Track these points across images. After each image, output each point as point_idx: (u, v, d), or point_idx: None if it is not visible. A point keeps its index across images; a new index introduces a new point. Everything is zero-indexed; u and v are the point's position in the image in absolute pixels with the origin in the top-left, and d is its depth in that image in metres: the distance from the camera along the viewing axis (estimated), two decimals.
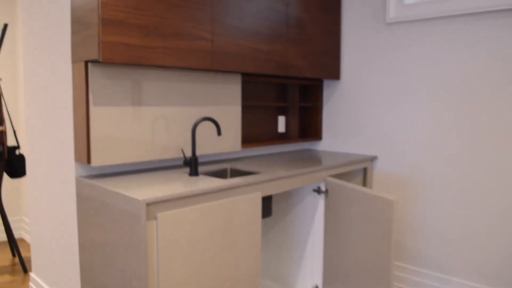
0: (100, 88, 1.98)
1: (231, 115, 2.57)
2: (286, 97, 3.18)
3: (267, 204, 2.41)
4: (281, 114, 3.15)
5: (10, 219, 3.94)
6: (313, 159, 2.80)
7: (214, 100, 2.46)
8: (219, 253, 1.94)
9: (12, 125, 3.17)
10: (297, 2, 2.75)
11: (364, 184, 3.00)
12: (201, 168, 2.38)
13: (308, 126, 3.31)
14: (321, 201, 2.63)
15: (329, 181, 2.56)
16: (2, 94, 3.01)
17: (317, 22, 2.92)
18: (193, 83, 2.35)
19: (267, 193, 2.19)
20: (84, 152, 2.00)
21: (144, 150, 2.17)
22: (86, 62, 1.96)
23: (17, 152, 3.15)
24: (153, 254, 1.70)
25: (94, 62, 1.96)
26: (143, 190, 1.77)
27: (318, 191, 2.62)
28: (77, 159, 2.06)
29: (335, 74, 3.10)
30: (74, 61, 2.03)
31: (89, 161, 1.99)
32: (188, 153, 2.38)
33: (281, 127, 3.12)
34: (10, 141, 3.65)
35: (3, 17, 3.84)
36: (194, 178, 2.06)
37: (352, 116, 3.10)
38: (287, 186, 2.31)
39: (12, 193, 3.93)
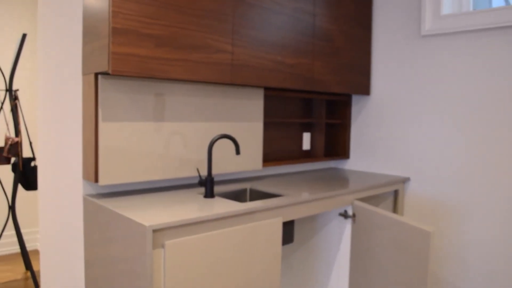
0: (110, 102, 1.84)
1: (252, 132, 2.39)
2: (312, 113, 2.99)
3: (289, 230, 2.21)
4: (306, 130, 2.96)
5: (26, 230, 3.86)
6: (339, 179, 2.59)
7: (234, 116, 2.29)
8: (234, 284, 1.75)
9: (28, 136, 3.08)
10: (325, 14, 2.57)
11: (395, 208, 2.77)
12: (218, 188, 2.21)
13: (335, 144, 3.10)
14: (347, 226, 2.42)
15: (357, 205, 2.34)
16: (19, 105, 2.93)
17: (346, 34, 2.73)
18: (211, 98, 2.19)
19: (288, 218, 2.00)
20: (91, 170, 1.86)
21: (156, 169, 2.01)
22: (96, 75, 1.82)
23: (32, 164, 3.06)
24: (160, 284, 1.53)
25: (104, 74, 1.82)
26: (151, 214, 1.60)
27: (344, 215, 2.40)
28: (85, 177, 1.92)
29: (365, 90, 2.89)
30: (84, 73, 1.90)
31: (96, 180, 1.84)
32: (204, 172, 2.21)
33: (306, 145, 2.92)
34: (26, 153, 3.57)
35: (24, 26, 3.79)
36: (209, 201, 1.88)
37: (383, 134, 2.88)
38: (311, 210, 2.11)
39: (28, 204, 3.85)
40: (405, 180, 2.74)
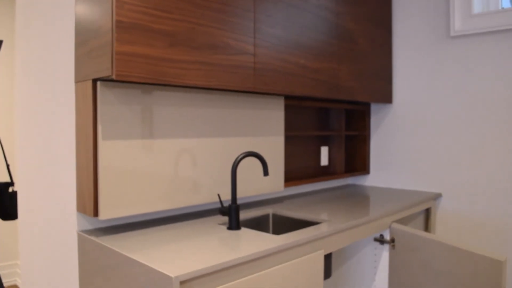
0: (111, 116, 1.45)
1: (272, 148, 2.02)
2: (329, 124, 2.64)
3: (327, 263, 1.85)
4: (324, 144, 2.61)
5: (4, 264, 3.37)
6: (367, 199, 2.24)
7: (252, 129, 1.92)
8: None
9: (5, 158, 2.64)
10: (347, 12, 2.24)
11: (427, 227, 2.44)
12: None
13: (354, 158, 2.76)
14: (384, 252, 2.06)
15: (396, 228, 2.00)
16: None
17: (368, 35, 2.41)
18: (226, 109, 1.81)
19: (329, 249, 1.63)
20: (89, 201, 1.45)
21: (169, 196, 1.62)
22: (94, 81, 1.43)
23: (10, 189, 2.61)
24: None
25: (105, 80, 1.43)
26: (172, 257, 1.21)
27: (381, 240, 2.05)
28: (80, 209, 1.51)
29: (387, 97, 2.56)
30: (78, 80, 1.50)
31: (96, 214, 1.44)
32: (223, 193, 1.83)
33: (324, 160, 2.57)
34: (2, 177, 3.11)
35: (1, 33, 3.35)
36: (235, 234, 1.50)
37: (407, 146, 2.56)
38: (351, 238, 1.74)
39: (6, 235, 3.37)
40: (436, 197, 2.41)
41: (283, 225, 1.92)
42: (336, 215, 1.82)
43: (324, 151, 2.56)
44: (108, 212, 1.45)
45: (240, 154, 1.59)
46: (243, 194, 1.89)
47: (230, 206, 1.58)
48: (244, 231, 1.55)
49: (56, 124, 1.63)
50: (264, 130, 1.97)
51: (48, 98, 1.68)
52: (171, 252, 1.29)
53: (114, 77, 1.31)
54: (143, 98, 1.53)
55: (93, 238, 1.44)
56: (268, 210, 1.96)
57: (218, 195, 1.63)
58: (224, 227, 1.60)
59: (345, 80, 2.23)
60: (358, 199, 2.25)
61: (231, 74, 1.65)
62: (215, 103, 1.76)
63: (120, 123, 1.47)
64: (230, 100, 1.82)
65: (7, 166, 2.61)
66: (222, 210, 1.61)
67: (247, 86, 1.71)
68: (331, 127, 2.62)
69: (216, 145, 1.77)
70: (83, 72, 1.46)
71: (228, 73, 1.63)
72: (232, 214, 1.57)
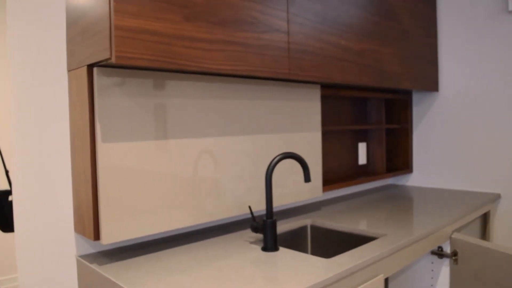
0: (113, 112, 1.12)
1: (308, 146, 1.68)
2: (366, 117, 2.28)
3: None
4: (361, 140, 2.25)
5: (2, 278, 3.10)
6: (414, 203, 1.88)
7: (284, 125, 1.58)
8: None
9: (4, 163, 2.34)
10: None
11: (484, 234, 2.07)
12: None
13: (394, 155, 2.40)
14: (443, 268, 1.71)
15: (458, 239, 1.64)
16: None
17: (412, 12, 2.04)
18: (253, 101, 1.47)
19: (389, 272, 1.29)
20: (88, 221, 1.13)
21: (185, 210, 1.28)
22: (90, 68, 1.10)
23: (10, 198, 2.31)
24: None
25: (103, 66, 1.10)
26: None
27: (440, 254, 1.70)
28: (79, 230, 1.19)
29: (433, 84, 2.20)
30: (71, 67, 1.18)
31: (97, 237, 1.12)
32: (252, 203, 1.49)
33: (362, 158, 2.22)
34: (2, 184, 2.82)
35: None
36: (272, 257, 1.17)
37: (456, 140, 2.19)
38: (411, 255, 1.40)
39: (4, 248, 3.08)
40: (495, 198, 2.05)
41: (325, 239, 1.58)
42: (388, 227, 1.48)
43: (362, 148, 2.21)
44: (112, 235, 1.12)
45: (276, 157, 1.25)
46: (275, 202, 1.55)
47: (265, 221, 1.24)
48: (283, 252, 1.22)
49: (47, 124, 1.31)
50: (298, 125, 1.63)
51: (38, 93, 1.36)
52: (193, 284, 0.96)
53: (113, 60, 0.98)
54: (153, 88, 1.20)
55: (94, 266, 1.12)
56: (306, 221, 1.62)
57: (249, 207, 1.29)
58: (257, 247, 1.27)
59: (389, 65, 1.87)
60: (406, 203, 1.89)
61: (261, 57, 1.31)
62: (239, 94, 1.42)
63: (124, 120, 1.14)
64: (256, 91, 1.47)
65: (6, 172, 2.31)
66: (255, 226, 1.27)
67: (281, 72, 1.37)
68: (369, 120, 2.26)
69: (242, 145, 1.43)
70: (77, 57, 1.14)
71: (257, 55, 1.29)
72: (267, 231, 1.24)
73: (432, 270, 1.74)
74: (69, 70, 1.19)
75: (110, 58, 0.99)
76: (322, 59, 1.52)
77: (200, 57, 1.15)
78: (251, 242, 1.33)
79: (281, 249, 1.25)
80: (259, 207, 1.50)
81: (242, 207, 1.43)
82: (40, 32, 1.25)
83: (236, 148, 1.40)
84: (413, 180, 2.38)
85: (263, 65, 1.31)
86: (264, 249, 1.24)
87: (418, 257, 1.52)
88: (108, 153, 1.10)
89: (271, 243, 1.24)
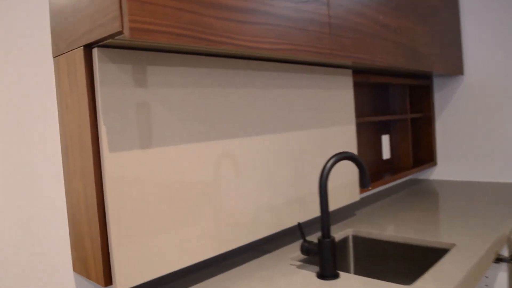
0: (121, 107, 0.81)
1: (342, 142, 1.40)
2: (388, 105, 2.02)
3: None
4: (384, 132, 1.99)
5: None
6: (453, 199, 1.64)
7: (314, 118, 1.29)
8: None
9: None
10: None
11: None
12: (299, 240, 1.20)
13: (417, 147, 2.15)
14: (500, 273, 1.47)
15: None
16: None
17: None
18: (279, 90, 1.17)
19: None
20: (95, 261, 0.82)
21: (215, 234, 0.98)
22: (88, 49, 0.79)
23: None
24: None
25: (105, 46, 0.79)
26: None
27: (496, 258, 1.46)
28: (80, 270, 0.87)
29: (458, 67, 1.96)
30: (57, 51, 0.85)
31: (109, 281, 0.80)
32: (292, 216, 1.19)
33: (386, 152, 1.95)
34: None
35: None
36: (334, 286, 0.89)
37: (484, 127, 1.96)
38: (484, 267, 1.14)
39: None
40: None
41: (371, 252, 1.31)
42: (448, 233, 1.22)
43: (386, 141, 1.95)
44: (130, 277, 0.81)
45: (330, 159, 0.97)
46: (306, 213, 1.26)
47: (321, 241, 0.96)
48: (346, 279, 0.94)
49: (30, 131, 0.98)
50: (330, 117, 1.35)
51: (18, 91, 1.02)
52: None
53: (127, 33, 0.68)
54: (177, 75, 0.89)
55: None
56: (346, 231, 1.34)
57: (299, 224, 1.00)
58: (310, 274, 0.98)
59: (422, 45, 1.61)
60: (445, 201, 1.64)
61: (304, 32, 1.02)
62: (264, 81, 1.12)
63: (137, 121, 0.83)
64: (282, 78, 1.17)
65: None
66: (306, 248, 0.99)
67: (323, 52, 1.08)
68: (392, 109, 2.00)
69: (271, 145, 1.13)
70: (67, 36, 0.82)
71: (298, 30, 1.00)
72: (325, 254, 0.95)
73: (487, 277, 1.50)
74: (55, 56, 0.86)
75: (121, 32, 0.69)
76: (363, 37, 1.24)
77: (234, 32, 0.85)
78: (299, 267, 1.04)
79: (342, 274, 0.97)
80: (297, 220, 1.21)
81: (280, 222, 1.14)
82: (19, 11, 0.92)
83: (264, 149, 1.10)
84: (437, 173, 2.13)
85: (306, 42, 1.02)
86: (321, 276, 0.96)
87: (488, 268, 1.27)
88: (119, 167, 0.79)
89: (330, 269, 0.95)
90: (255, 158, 1.07)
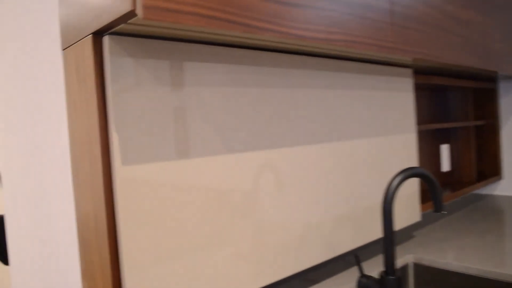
0: (137, 110, 0.65)
1: (402, 154, 1.19)
2: (449, 111, 1.78)
3: None
4: (443, 141, 1.75)
5: None
6: None
7: (368, 125, 1.09)
8: None
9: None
10: None
11: None
12: (348, 270, 1.00)
13: (479, 159, 1.90)
14: None
15: None
16: None
17: None
18: (330, 91, 0.98)
19: None
20: (106, 282, 0.66)
21: (246, 270, 0.81)
22: (97, 38, 0.63)
23: None
24: None
25: (117, 34, 0.63)
26: None
27: None
28: None
29: None
30: (66, 42, 0.71)
31: None
32: (343, 243, 1.00)
33: (446, 164, 1.72)
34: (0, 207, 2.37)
35: None
36: None
37: None
38: None
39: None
40: None
41: (435, 283, 1.09)
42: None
43: (445, 151, 1.71)
44: None
45: (395, 177, 0.78)
46: (367, 237, 1.06)
47: (385, 279, 0.76)
48: None
49: (39, 136, 0.85)
50: (388, 124, 1.15)
51: (27, 88, 0.89)
52: None
53: (140, 13, 0.52)
54: (209, 72, 0.73)
55: None
56: (406, 257, 1.13)
57: (356, 256, 0.81)
58: None
59: (494, 42, 1.38)
60: None
61: (360, 20, 0.83)
62: (311, 81, 0.93)
63: (159, 126, 0.67)
64: (331, 78, 0.98)
65: None
66: (365, 285, 0.79)
67: (384, 45, 0.89)
68: (453, 115, 1.77)
69: (317, 158, 0.94)
70: (76, 22, 0.67)
71: (355, 18, 0.82)
72: None
73: None
74: (64, 48, 0.72)
75: (133, 12, 0.53)
76: (429, 30, 1.04)
77: (280, 16, 0.67)
78: None
79: None
80: (349, 244, 1.02)
81: (330, 247, 0.95)
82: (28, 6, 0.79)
83: (310, 161, 0.92)
84: (503, 188, 1.87)
85: (364, 33, 0.83)
86: None
87: None
88: (135, 182, 0.63)
89: None
90: (301, 171, 0.89)
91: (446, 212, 0.82)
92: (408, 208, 1.20)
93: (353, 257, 1.07)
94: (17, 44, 0.90)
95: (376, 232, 1.09)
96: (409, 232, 1.36)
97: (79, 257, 0.73)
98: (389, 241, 0.77)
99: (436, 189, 0.79)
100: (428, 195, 1.43)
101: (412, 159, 1.22)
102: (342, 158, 0.99)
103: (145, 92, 0.65)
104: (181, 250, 0.68)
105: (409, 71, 1.21)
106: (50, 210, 0.78)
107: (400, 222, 1.16)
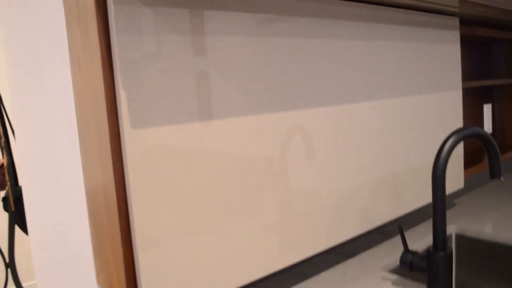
0: (148, 63, 0.56)
1: (446, 113, 1.07)
2: (490, 68, 1.62)
3: None
4: (485, 100, 1.61)
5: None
6: None
7: (409, 80, 0.97)
8: None
9: (12, 159, 1.86)
10: None
11: None
12: (378, 236, 0.91)
13: None
14: None
15: None
16: (3, 109, 1.68)
17: None
18: (368, 43, 0.85)
19: None
20: (120, 278, 0.59)
21: (274, 247, 0.72)
22: None
23: None
24: None
25: None
26: None
27: None
28: (102, 283, 0.66)
29: None
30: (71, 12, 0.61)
31: None
32: (380, 213, 0.91)
33: (488, 125, 1.58)
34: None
35: None
36: None
37: None
38: None
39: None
40: None
41: (481, 256, 0.99)
42: None
43: (488, 111, 1.57)
44: None
45: (448, 138, 0.67)
46: (408, 206, 0.96)
47: (433, 255, 0.67)
48: None
49: (45, 99, 0.77)
50: (432, 81, 1.02)
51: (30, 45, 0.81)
52: None
53: None
54: (228, 21, 0.62)
55: None
56: (448, 228, 1.03)
57: (400, 228, 0.72)
58: None
59: None
60: None
61: None
62: (346, 31, 0.81)
63: (174, 83, 0.57)
64: (369, 28, 0.86)
65: (13, 168, 1.82)
66: (409, 261, 0.70)
67: None
68: (495, 72, 1.61)
69: (355, 116, 0.83)
70: None
71: None
72: (439, 274, 0.66)
73: None
74: (67, 15, 0.63)
75: None
76: None
77: None
78: (396, 283, 0.76)
79: None
80: (388, 214, 0.92)
81: (367, 217, 0.86)
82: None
83: (344, 122, 0.81)
84: None
85: None
86: None
87: None
88: (147, 148, 0.55)
89: None
90: (333, 134, 0.79)
91: (501, 179, 0.72)
92: (451, 174, 1.08)
93: (397, 229, 0.98)
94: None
95: (417, 200, 0.98)
96: (451, 200, 1.25)
97: (90, 235, 0.66)
98: (439, 211, 0.67)
99: (495, 151, 0.68)
100: (470, 160, 1.31)
101: (457, 119, 1.09)
102: (379, 118, 0.88)
103: (158, 44, 0.55)
104: (201, 224, 0.60)
105: (455, 21, 1.07)
106: (58, 180, 0.70)
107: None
